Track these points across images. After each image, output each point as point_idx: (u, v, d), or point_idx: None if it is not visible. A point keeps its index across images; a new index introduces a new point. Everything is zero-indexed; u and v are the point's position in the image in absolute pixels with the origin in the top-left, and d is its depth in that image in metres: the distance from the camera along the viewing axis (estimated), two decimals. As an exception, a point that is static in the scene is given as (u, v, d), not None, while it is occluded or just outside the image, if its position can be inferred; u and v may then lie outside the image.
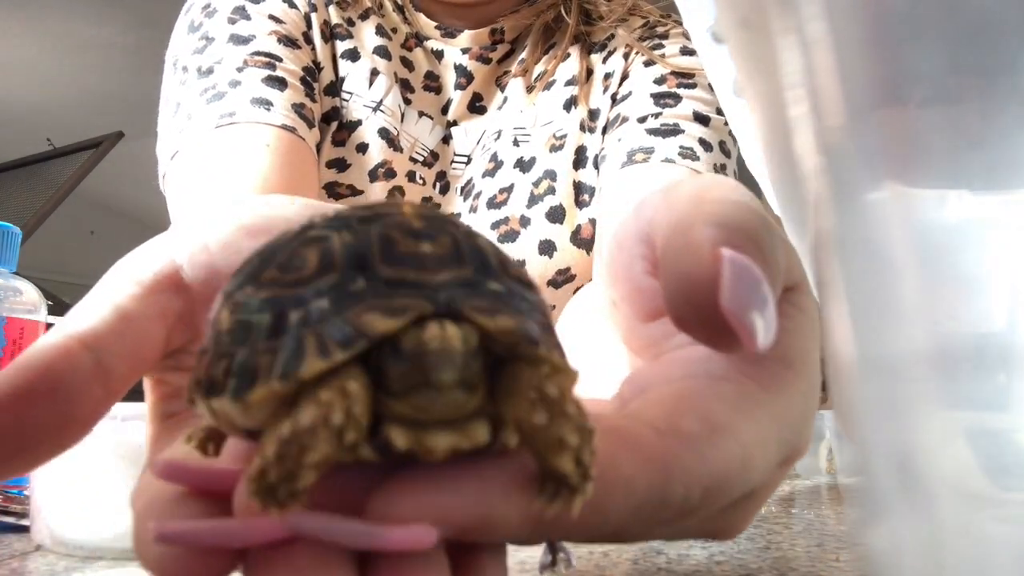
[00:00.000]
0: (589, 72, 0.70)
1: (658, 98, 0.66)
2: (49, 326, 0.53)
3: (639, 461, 0.16)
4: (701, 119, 0.65)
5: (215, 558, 0.15)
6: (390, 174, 0.64)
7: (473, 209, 0.66)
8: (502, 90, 0.70)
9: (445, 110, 0.70)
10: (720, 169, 0.65)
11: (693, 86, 0.67)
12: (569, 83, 0.69)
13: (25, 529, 0.36)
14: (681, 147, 0.63)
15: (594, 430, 0.15)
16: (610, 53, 0.70)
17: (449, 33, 0.69)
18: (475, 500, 0.15)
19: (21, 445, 0.17)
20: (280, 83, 0.60)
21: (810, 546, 0.36)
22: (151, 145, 0.76)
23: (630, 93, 0.67)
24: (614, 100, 0.69)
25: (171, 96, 0.64)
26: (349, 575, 0.14)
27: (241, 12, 0.64)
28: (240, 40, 0.62)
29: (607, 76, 0.69)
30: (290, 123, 0.58)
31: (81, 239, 5.43)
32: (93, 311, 0.19)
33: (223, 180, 0.55)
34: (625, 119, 0.65)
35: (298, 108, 0.60)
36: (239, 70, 0.60)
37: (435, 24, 0.69)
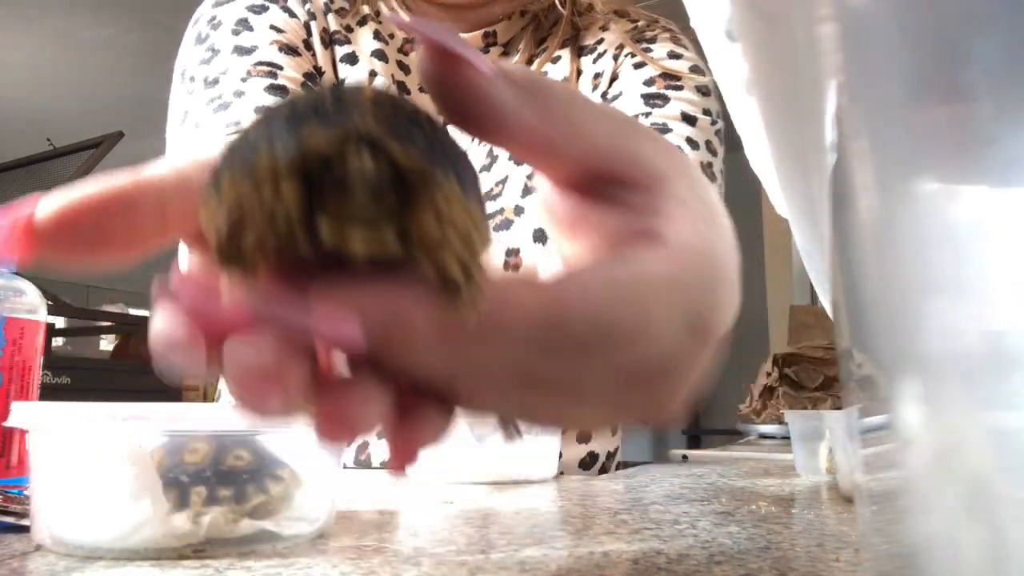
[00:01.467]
0: (579, 73, 0.73)
1: (648, 99, 0.70)
2: (49, 326, 0.53)
3: (532, 291, 0.19)
4: (688, 119, 0.69)
5: (201, 339, 0.18)
6: None
7: None
8: None
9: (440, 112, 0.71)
10: (707, 167, 0.69)
11: (680, 88, 0.70)
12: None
13: (25, 529, 0.36)
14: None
15: (478, 242, 0.18)
16: (600, 55, 0.74)
17: None
18: (390, 301, 0.18)
19: (97, 243, 0.21)
20: (282, 91, 0.63)
21: (810, 546, 0.36)
22: (151, 145, 0.77)
23: (621, 93, 0.71)
24: (604, 99, 0.71)
25: (179, 105, 0.67)
26: (301, 369, 0.18)
27: (244, 24, 0.67)
28: (244, 51, 0.65)
29: (596, 75, 0.73)
30: None
31: (81, 239, 5.41)
32: (157, 169, 0.23)
33: None
34: None
35: None
36: (243, 80, 0.63)
37: None
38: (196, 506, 0.32)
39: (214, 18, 0.68)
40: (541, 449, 0.63)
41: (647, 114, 0.68)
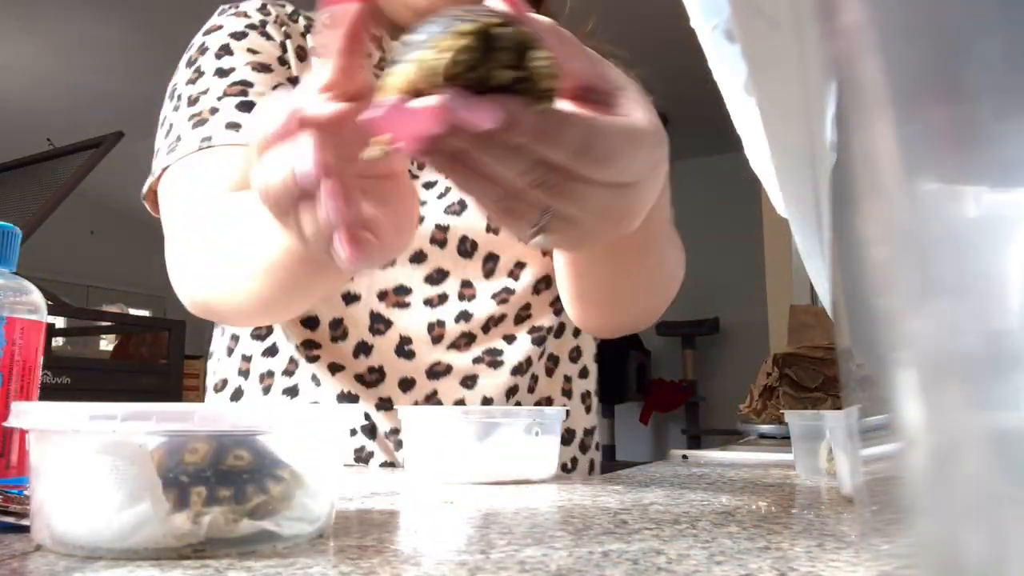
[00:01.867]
0: None
1: None
2: (49, 326, 0.53)
3: (579, 115, 0.35)
4: None
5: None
6: None
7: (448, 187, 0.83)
8: None
9: None
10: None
11: None
12: None
13: (25, 529, 0.36)
14: None
15: (555, 81, 0.33)
16: None
17: None
18: (512, 104, 0.32)
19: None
20: (250, 107, 0.74)
21: (810, 546, 0.36)
22: (151, 145, 0.80)
23: None
24: None
25: (167, 119, 0.79)
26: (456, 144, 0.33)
27: (226, 49, 0.80)
28: (223, 73, 0.78)
29: None
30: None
31: (81, 239, 5.43)
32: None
33: (203, 190, 0.71)
34: None
35: None
36: (219, 99, 0.75)
37: None
38: (196, 506, 0.32)
39: (203, 44, 0.81)
40: (541, 449, 0.63)
41: None
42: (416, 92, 0.32)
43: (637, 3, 3.23)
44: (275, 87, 0.77)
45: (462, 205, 0.78)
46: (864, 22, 0.17)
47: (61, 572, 0.30)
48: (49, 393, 0.71)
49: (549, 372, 0.84)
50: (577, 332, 0.88)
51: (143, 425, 0.33)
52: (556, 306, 0.82)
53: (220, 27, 0.81)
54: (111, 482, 0.32)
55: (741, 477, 0.69)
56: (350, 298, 0.77)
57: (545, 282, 0.81)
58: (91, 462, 0.33)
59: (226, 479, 0.33)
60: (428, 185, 0.80)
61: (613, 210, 0.38)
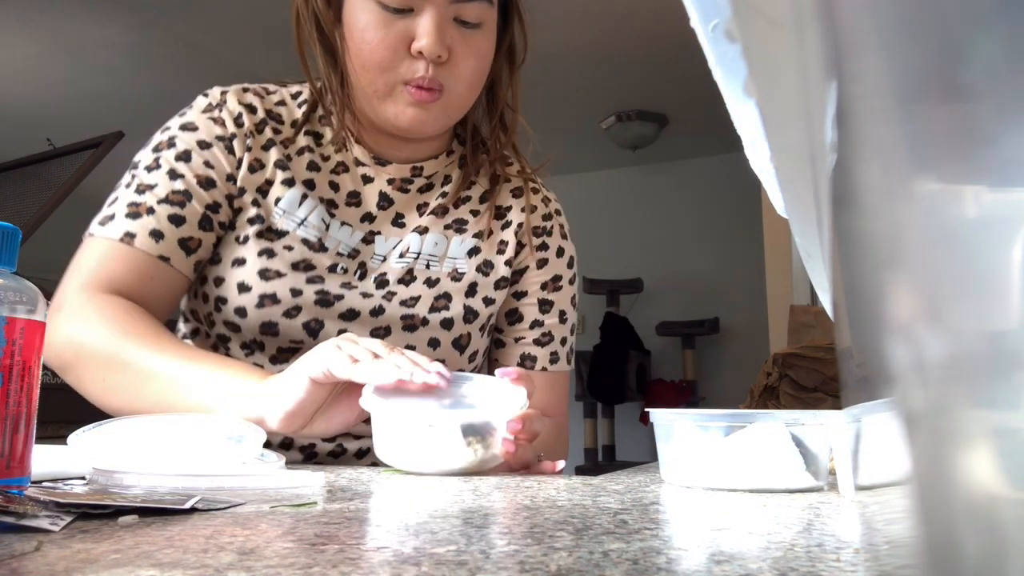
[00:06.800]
0: (490, 232, 1.00)
1: (542, 305, 1.02)
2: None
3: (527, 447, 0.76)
4: (562, 318, 1.02)
5: None
6: (309, 267, 0.90)
7: (387, 297, 0.92)
8: (421, 215, 0.97)
9: (366, 219, 0.95)
10: (571, 330, 1.05)
11: (559, 288, 1.03)
12: (476, 236, 0.99)
13: (25, 529, 0.36)
14: (551, 354, 1.01)
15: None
16: (506, 224, 1.01)
17: (380, 162, 0.97)
18: None
19: None
20: (180, 220, 0.87)
21: (810, 546, 0.36)
22: None
23: (525, 292, 1.01)
24: (508, 274, 0.99)
25: (119, 187, 0.90)
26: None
27: (186, 156, 0.89)
28: (175, 176, 0.88)
29: (502, 242, 1.00)
30: (166, 254, 0.87)
31: (81, 239, 5.41)
32: None
33: (104, 280, 0.85)
34: (521, 317, 1.02)
35: (184, 241, 0.87)
36: (159, 202, 0.87)
37: (371, 155, 0.97)
38: (473, 446, 0.68)
39: (173, 138, 0.91)
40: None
41: (539, 322, 1.01)
42: None
43: (637, 3, 3.23)
44: (208, 205, 0.89)
45: (412, 328, 0.94)
46: (864, 22, 0.17)
47: (61, 572, 0.30)
48: (49, 393, 0.71)
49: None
50: None
51: (452, 412, 0.68)
52: None
53: (196, 128, 0.91)
54: (435, 437, 0.67)
55: (741, 477, 0.69)
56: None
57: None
58: (424, 430, 0.67)
59: (479, 431, 0.69)
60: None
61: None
